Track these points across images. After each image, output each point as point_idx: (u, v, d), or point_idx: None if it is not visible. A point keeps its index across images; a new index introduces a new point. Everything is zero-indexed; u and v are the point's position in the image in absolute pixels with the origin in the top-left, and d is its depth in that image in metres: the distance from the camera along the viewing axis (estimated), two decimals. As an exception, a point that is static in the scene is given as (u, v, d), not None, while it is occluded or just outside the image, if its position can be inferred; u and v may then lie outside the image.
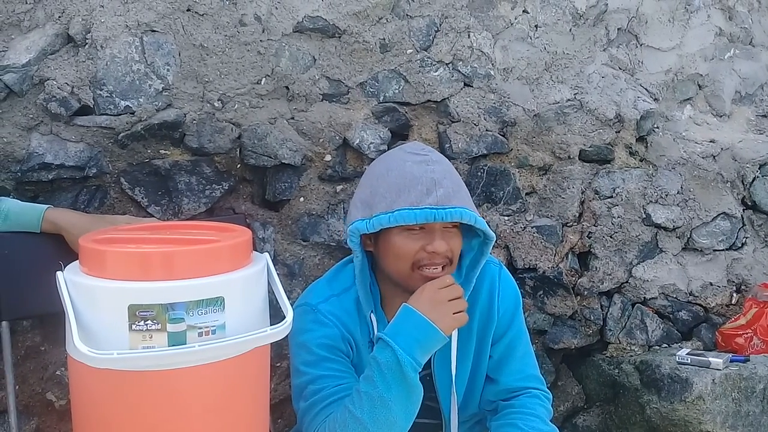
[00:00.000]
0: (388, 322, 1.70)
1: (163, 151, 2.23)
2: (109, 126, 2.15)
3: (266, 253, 1.63)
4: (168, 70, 2.21)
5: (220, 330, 1.41)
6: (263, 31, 2.31)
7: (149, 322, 1.35)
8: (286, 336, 1.57)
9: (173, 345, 1.36)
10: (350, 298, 1.73)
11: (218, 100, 2.28)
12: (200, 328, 1.38)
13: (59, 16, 2.11)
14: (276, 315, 1.55)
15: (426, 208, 1.57)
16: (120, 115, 2.16)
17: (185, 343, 1.37)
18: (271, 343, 1.54)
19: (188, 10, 2.22)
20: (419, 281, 1.63)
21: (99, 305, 1.39)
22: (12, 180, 2.07)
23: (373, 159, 2.38)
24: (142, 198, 2.20)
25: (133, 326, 1.35)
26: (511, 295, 1.84)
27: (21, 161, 2.08)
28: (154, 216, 2.21)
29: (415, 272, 1.64)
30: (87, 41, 2.12)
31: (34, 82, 2.09)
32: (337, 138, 2.42)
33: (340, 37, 2.41)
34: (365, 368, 1.69)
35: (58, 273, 1.46)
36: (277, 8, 2.33)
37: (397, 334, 1.56)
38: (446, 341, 1.63)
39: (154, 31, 2.19)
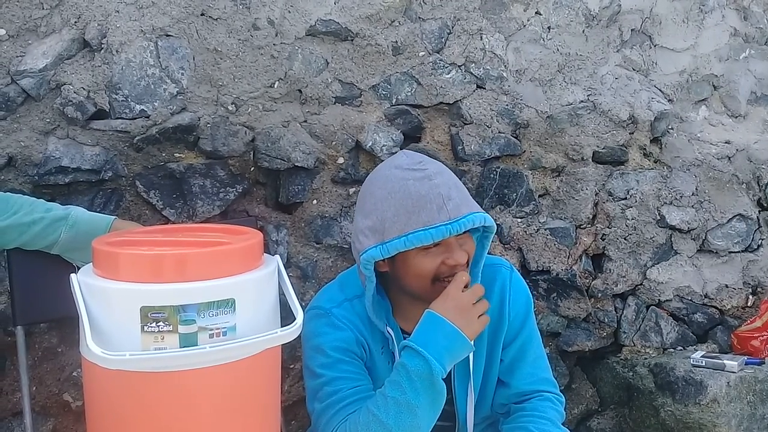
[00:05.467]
0: (403, 332, 1.72)
1: (177, 155, 2.25)
2: (125, 130, 2.17)
3: (277, 256, 1.64)
4: (182, 74, 2.23)
5: (230, 331, 1.42)
6: (276, 35, 2.33)
7: (161, 323, 1.37)
8: (299, 338, 1.58)
9: (184, 346, 1.38)
10: (362, 305, 1.73)
11: (232, 103, 2.30)
12: (211, 329, 1.39)
13: (75, 22, 2.14)
14: (289, 317, 1.55)
15: (440, 225, 1.56)
16: (135, 119, 2.19)
17: (196, 345, 1.38)
18: (284, 345, 1.55)
19: (202, 14, 2.25)
20: (441, 292, 1.62)
21: (112, 307, 1.41)
22: (29, 183, 2.10)
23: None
24: (157, 201, 2.23)
25: (145, 327, 1.37)
26: (522, 299, 1.83)
27: (38, 165, 2.11)
28: (168, 219, 2.24)
29: (436, 285, 1.64)
30: (103, 46, 2.15)
31: (51, 86, 2.12)
32: (350, 140, 2.43)
33: (352, 40, 2.42)
34: (378, 373, 1.70)
35: (72, 275, 1.48)
36: (290, 12, 2.34)
37: (428, 343, 1.56)
38: (473, 349, 1.63)
39: (169, 35, 2.22)
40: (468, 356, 1.71)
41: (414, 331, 1.60)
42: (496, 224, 2.58)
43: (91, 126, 2.16)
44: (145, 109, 2.19)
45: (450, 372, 1.73)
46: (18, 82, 2.08)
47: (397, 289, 1.72)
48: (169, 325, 1.37)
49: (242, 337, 1.43)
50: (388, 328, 1.71)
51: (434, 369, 1.54)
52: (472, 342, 1.61)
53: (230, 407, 1.45)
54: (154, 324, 1.37)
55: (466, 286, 1.62)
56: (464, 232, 1.63)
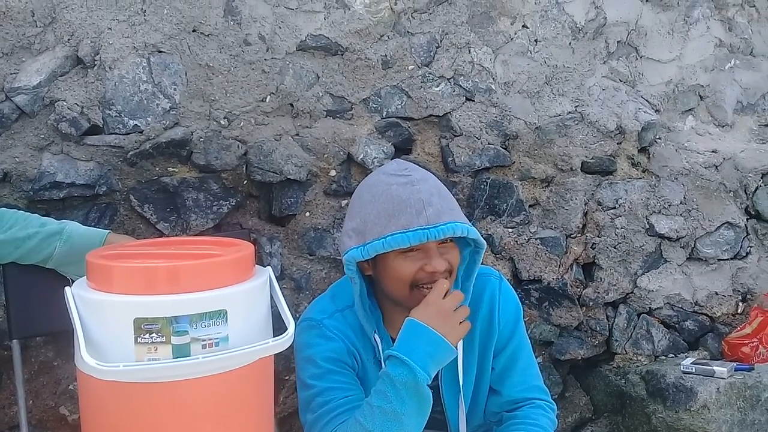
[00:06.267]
0: (393, 340, 1.72)
1: (171, 169, 2.28)
2: (118, 145, 2.20)
3: (269, 267, 1.66)
4: (175, 89, 2.26)
5: (223, 342, 1.44)
6: (267, 50, 2.36)
7: (154, 334, 1.39)
8: (293, 349, 1.59)
9: (177, 357, 1.40)
10: (354, 315, 1.75)
11: (224, 118, 2.33)
12: (204, 340, 1.41)
13: (69, 39, 2.17)
14: (282, 327, 1.57)
15: (418, 229, 1.58)
16: (129, 134, 2.21)
17: (189, 355, 1.40)
18: (279, 356, 1.57)
19: (194, 30, 2.28)
20: (420, 300, 1.64)
21: (106, 319, 1.43)
22: (24, 199, 2.13)
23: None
24: (151, 215, 2.25)
25: (139, 339, 1.39)
26: (512, 307, 1.84)
27: (33, 180, 2.13)
28: (162, 232, 2.26)
29: (414, 291, 1.65)
30: (96, 62, 2.18)
31: (45, 103, 2.14)
32: (342, 153, 2.46)
33: (342, 54, 2.46)
34: (370, 383, 1.71)
35: (67, 288, 1.50)
36: (280, 28, 2.38)
37: (412, 351, 1.57)
38: (455, 354, 1.65)
39: (161, 51, 2.25)
40: (457, 365, 1.73)
41: (397, 339, 1.62)
42: (488, 235, 2.63)
43: (85, 141, 2.18)
44: (139, 125, 2.22)
45: (438, 381, 1.75)
46: (12, 98, 2.11)
47: (382, 296, 1.74)
48: (162, 337, 1.39)
49: (234, 347, 1.45)
50: (376, 336, 1.73)
51: (419, 376, 1.55)
52: (456, 347, 1.63)
53: (224, 417, 1.46)
54: (147, 335, 1.39)
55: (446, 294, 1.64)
56: (448, 241, 1.66)
